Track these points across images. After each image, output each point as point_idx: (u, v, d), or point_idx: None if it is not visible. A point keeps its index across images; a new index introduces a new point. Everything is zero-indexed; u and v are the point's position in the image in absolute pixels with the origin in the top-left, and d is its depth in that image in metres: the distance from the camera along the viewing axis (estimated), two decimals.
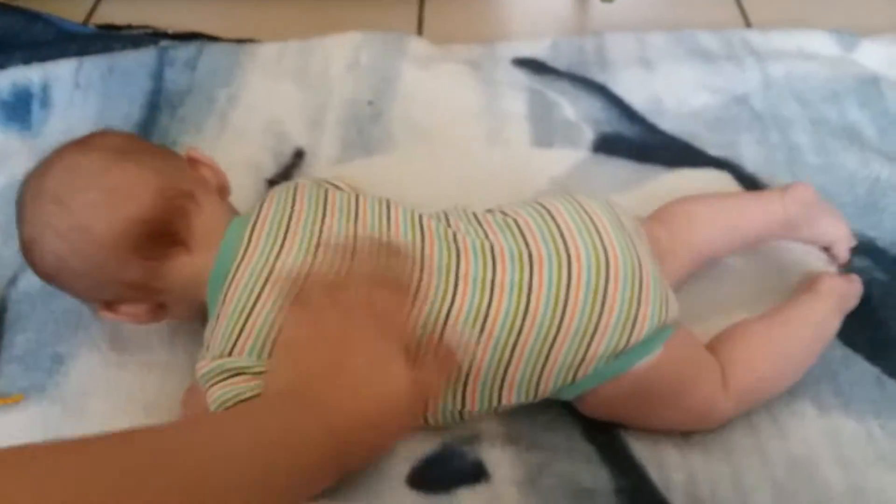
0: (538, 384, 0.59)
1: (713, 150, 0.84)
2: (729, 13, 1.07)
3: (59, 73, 0.91)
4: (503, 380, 0.58)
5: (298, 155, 0.86)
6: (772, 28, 0.98)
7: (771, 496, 0.60)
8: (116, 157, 0.59)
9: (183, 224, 0.59)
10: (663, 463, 0.62)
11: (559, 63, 0.95)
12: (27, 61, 0.92)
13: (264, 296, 0.56)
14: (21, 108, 0.89)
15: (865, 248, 0.75)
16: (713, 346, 0.64)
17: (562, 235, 0.60)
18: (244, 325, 0.55)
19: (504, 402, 0.59)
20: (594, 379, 0.58)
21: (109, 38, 0.96)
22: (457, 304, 0.57)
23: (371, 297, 0.46)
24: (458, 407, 0.59)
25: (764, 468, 0.61)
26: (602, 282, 0.57)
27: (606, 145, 0.85)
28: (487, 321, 0.57)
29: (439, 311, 0.57)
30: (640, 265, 0.59)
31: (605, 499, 0.60)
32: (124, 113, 0.88)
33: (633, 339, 0.57)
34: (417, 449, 0.62)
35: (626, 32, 0.98)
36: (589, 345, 0.57)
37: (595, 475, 0.61)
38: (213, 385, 0.55)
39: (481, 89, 0.92)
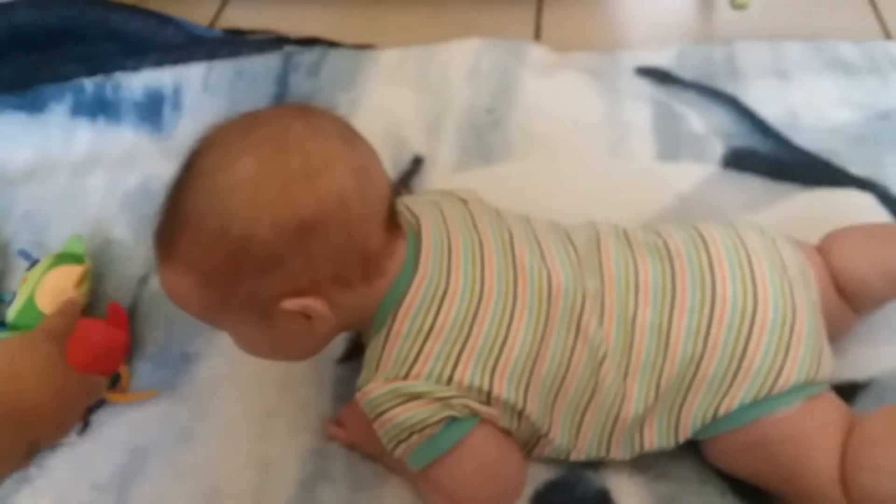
0: (677, 429, 0.57)
1: (854, 169, 0.79)
2: (866, 23, 1.00)
3: (190, 77, 0.93)
4: (643, 424, 0.57)
5: (417, 162, 0.86)
6: None
7: None
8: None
9: (397, 209, 0.57)
10: None
11: (685, 73, 0.91)
12: (159, 64, 0.95)
13: (440, 319, 0.54)
14: (153, 110, 0.92)
15: None
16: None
17: (711, 270, 0.57)
18: (421, 349, 0.54)
19: (645, 446, 0.58)
20: (728, 423, 0.56)
21: (236, 43, 0.99)
22: (605, 342, 0.56)
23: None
24: (602, 454, 0.58)
25: None
26: (747, 326, 0.55)
27: (737, 160, 0.81)
28: (630, 365, 0.56)
29: (597, 348, 0.56)
30: (793, 314, 0.56)
31: None
32: None
33: (775, 389, 0.54)
34: (542, 472, 0.61)
35: (758, 41, 0.93)
36: (728, 388, 0.55)
37: None
38: (392, 408, 0.53)
39: (603, 99, 0.90)
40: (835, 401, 0.57)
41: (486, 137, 0.87)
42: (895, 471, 0.52)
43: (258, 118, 0.53)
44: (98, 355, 0.65)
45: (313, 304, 0.52)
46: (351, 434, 0.63)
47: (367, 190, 0.52)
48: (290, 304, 0.51)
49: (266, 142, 0.50)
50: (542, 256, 0.58)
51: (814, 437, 0.55)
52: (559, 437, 0.57)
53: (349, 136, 0.53)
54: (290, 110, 0.54)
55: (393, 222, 0.55)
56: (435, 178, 0.84)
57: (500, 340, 0.54)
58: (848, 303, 0.62)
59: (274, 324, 0.53)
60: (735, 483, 0.59)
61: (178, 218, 0.51)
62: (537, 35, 1.04)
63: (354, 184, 0.51)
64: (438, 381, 0.53)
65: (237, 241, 0.49)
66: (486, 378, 0.54)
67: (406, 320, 0.54)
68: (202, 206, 0.50)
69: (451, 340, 0.54)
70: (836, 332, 0.61)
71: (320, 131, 0.52)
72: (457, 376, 0.53)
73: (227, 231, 0.49)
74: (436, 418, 0.53)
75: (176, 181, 0.52)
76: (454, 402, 0.53)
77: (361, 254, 0.52)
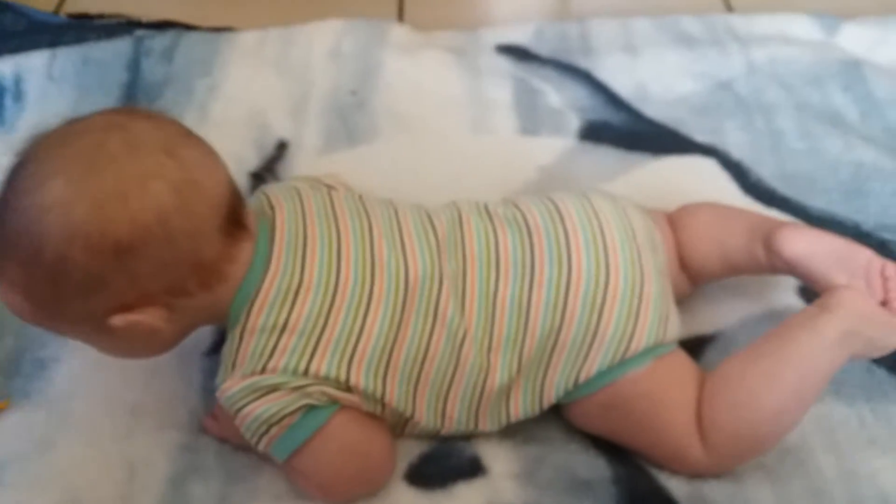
0: (541, 397, 0.59)
1: (699, 137, 0.84)
2: None
3: (32, 66, 0.88)
4: (508, 396, 0.59)
5: (281, 146, 0.84)
6: (754, 13, 0.98)
7: (763, 483, 0.60)
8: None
9: (244, 209, 0.55)
10: None
11: (543, 49, 0.94)
12: None
13: (295, 314, 0.54)
14: None
15: (851, 233, 0.75)
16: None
17: (567, 242, 0.59)
18: (276, 344, 0.54)
19: (512, 417, 0.60)
20: (587, 387, 0.58)
21: (82, 28, 0.94)
22: (465, 322, 0.57)
23: None
24: (471, 428, 0.60)
25: None
26: (600, 295, 0.57)
27: (593, 133, 0.85)
28: (492, 339, 0.57)
29: (456, 330, 0.57)
30: (642, 281, 0.58)
31: (603, 489, 0.60)
32: (100, 105, 0.81)
33: (629, 353, 0.57)
34: (415, 446, 0.61)
35: (609, 18, 0.97)
36: (587, 356, 0.57)
37: (592, 466, 0.61)
38: (250, 402, 0.53)
39: (465, 77, 0.91)
40: (683, 357, 0.61)
41: (350, 119, 0.87)
42: (749, 405, 0.56)
43: (75, 130, 0.51)
44: None
45: (142, 318, 0.52)
46: (222, 426, 0.62)
47: (193, 203, 0.51)
48: (118, 320, 0.51)
49: (78, 160, 0.49)
50: (402, 245, 0.59)
51: (665, 392, 0.58)
52: (424, 418, 0.58)
53: (174, 146, 0.51)
54: (111, 119, 0.52)
55: (236, 225, 0.54)
56: (301, 162, 0.83)
57: (356, 332, 0.55)
58: (686, 275, 0.66)
59: (113, 334, 0.52)
60: (597, 440, 0.62)
61: None
62: (400, 16, 1.05)
63: (175, 200, 0.50)
64: (295, 373, 0.53)
65: (53, 263, 0.49)
66: (343, 369, 0.54)
67: (260, 316, 0.54)
68: (16, 227, 0.49)
69: (306, 334, 0.54)
70: (674, 298, 0.64)
71: (138, 146, 0.50)
72: (312, 368, 0.54)
73: (42, 254, 0.48)
74: (292, 408, 0.53)
75: None
76: (310, 389, 0.54)
77: (194, 265, 0.52)
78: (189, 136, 0.54)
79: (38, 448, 0.63)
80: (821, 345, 0.56)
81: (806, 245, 0.60)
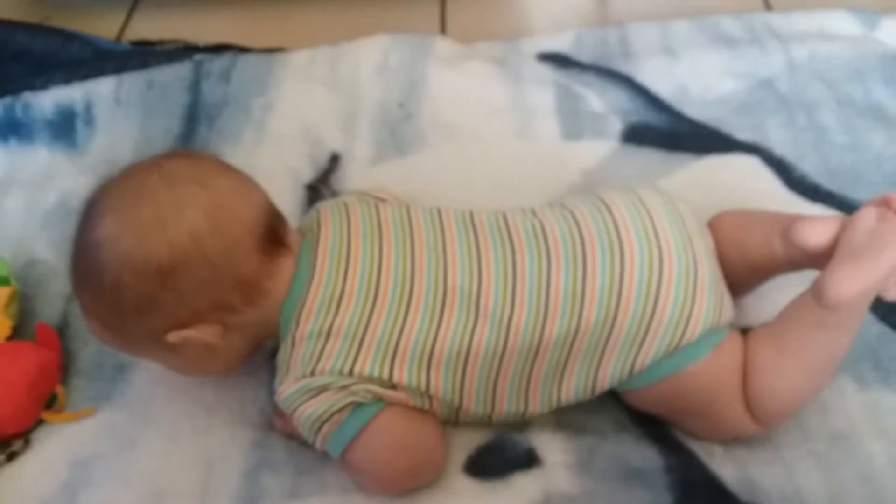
0: (594, 381, 0.61)
1: (741, 136, 0.85)
2: None
3: (101, 91, 0.94)
4: (561, 380, 0.61)
5: (334, 159, 0.88)
6: (792, 10, 0.99)
7: (814, 470, 0.62)
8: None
9: (284, 228, 0.61)
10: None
11: (583, 56, 0.96)
12: (68, 81, 0.95)
13: (338, 320, 0.58)
14: (66, 127, 0.92)
15: None
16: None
17: (617, 230, 0.60)
18: (323, 348, 0.58)
19: (563, 400, 0.62)
20: (646, 377, 0.60)
21: (145, 55, 0.99)
22: (516, 313, 0.59)
23: None
24: (521, 410, 0.62)
25: (805, 442, 0.63)
26: (655, 279, 0.59)
27: (635, 135, 0.87)
28: (545, 328, 0.59)
29: (500, 320, 0.59)
30: (695, 264, 0.59)
31: (656, 477, 0.62)
32: (165, 127, 0.91)
33: (685, 339, 0.58)
34: (472, 438, 0.64)
35: (648, 22, 0.99)
36: (643, 342, 0.59)
37: (644, 455, 0.63)
38: (303, 403, 0.58)
39: (508, 86, 0.94)
40: (737, 341, 0.61)
41: (399, 131, 0.90)
42: (791, 389, 0.59)
43: (124, 175, 0.59)
44: (34, 381, 0.66)
45: (196, 334, 0.58)
46: (288, 423, 0.66)
47: (225, 225, 0.57)
48: (173, 336, 0.58)
49: (123, 198, 0.57)
50: (444, 255, 0.61)
51: (722, 383, 0.60)
52: (473, 406, 0.61)
53: (207, 177, 0.58)
54: (153, 161, 0.59)
55: (274, 243, 0.59)
56: (353, 173, 0.87)
57: (396, 332, 0.59)
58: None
59: (177, 352, 0.59)
60: (649, 430, 0.64)
61: (71, 274, 0.59)
62: (443, 29, 1.08)
63: (208, 223, 0.56)
64: (341, 374, 0.58)
65: (111, 290, 0.56)
66: (386, 368, 0.58)
67: (307, 324, 0.59)
68: (83, 262, 0.58)
69: (349, 338, 0.58)
70: None
71: (173, 180, 0.57)
72: (357, 369, 0.58)
73: (102, 283, 0.56)
74: (340, 405, 0.58)
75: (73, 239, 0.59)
76: (356, 388, 0.58)
77: (236, 281, 0.58)
78: (224, 168, 0.61)
79: (122, 447, 0.67)
80: (841, 333, 0.58)
81: (824, 235, 0.58)
